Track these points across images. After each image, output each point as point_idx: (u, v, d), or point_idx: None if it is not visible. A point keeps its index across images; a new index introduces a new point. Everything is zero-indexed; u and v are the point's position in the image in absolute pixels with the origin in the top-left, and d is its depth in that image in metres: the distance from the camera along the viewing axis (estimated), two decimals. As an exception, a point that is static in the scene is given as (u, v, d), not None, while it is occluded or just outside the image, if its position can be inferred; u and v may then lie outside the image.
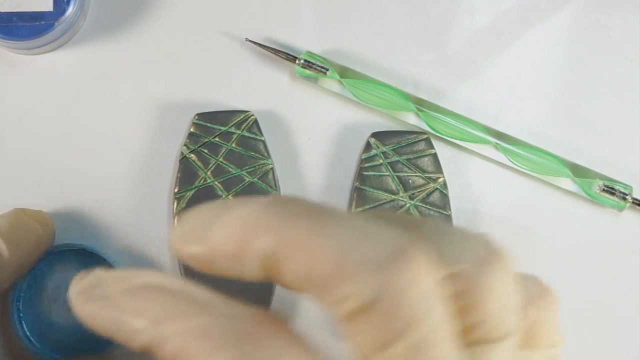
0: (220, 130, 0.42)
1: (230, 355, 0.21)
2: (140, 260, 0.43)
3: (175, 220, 0.41)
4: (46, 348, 0.40)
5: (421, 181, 0.42)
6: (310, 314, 0.42)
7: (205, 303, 0.23)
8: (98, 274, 0.24)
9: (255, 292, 0.41)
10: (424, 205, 0.42)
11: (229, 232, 0.23)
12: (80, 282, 0.24)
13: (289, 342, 0.22)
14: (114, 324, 0.23)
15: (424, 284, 0.21)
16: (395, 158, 0.42)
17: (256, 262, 0.23)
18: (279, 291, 0.42)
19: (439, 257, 0.22)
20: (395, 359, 0.21)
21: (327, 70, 0.42)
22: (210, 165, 0.42)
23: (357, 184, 0.42)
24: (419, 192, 0.42)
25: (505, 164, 0.43)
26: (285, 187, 0.43)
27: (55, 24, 0.41)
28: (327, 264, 0.22)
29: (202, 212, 0.24)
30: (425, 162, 0.42)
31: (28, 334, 0.40)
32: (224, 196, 0.41)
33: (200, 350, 0.22)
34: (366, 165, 0.42)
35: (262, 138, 0.42)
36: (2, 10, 0.41)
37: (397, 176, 0.42)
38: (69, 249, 0.40)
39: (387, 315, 0.21)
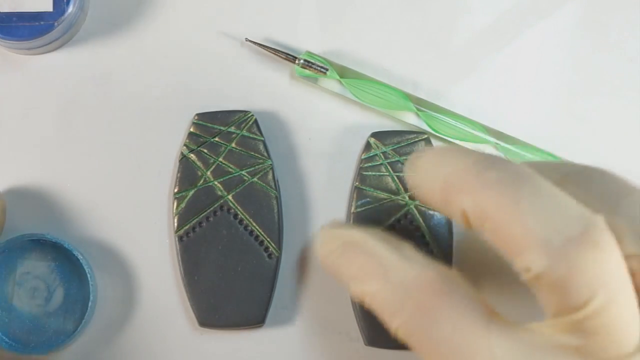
0: (220, 130, 0.42)
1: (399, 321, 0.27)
2: (141, 260, 0.43)
3: (176, 220, 0.41)
4: None
5: (421, 181, 0.42)
6: (308, 320, 0.43)
7: (386, 266, 0.28)
8: (326, 233, 0.30)
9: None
10: (424, 206, 0.42)
11: (435, 185, 0.27)
12: (326, 244, 0.30)
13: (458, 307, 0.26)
14: (335, 274, 0.29)
15: (606, 264, 0.24)
16: (395, 158, 0.42)
17: (458, 213, 0.27)
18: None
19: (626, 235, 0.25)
20: (577, 327, 0.24)
21: (327, 70, 0.42)
22: (210, 165, 0.42)
23: (357, 184, 0.42)
24: (419, 192, 0.42)
25: (505, 164, 0.43)
26: (285, 187, 0.43)
27: (55, 24, 0.41)
28: (516, 234, 0.25)
29: (429, 157, 0.28)
30: (425, 162, 0.42)
31: None
32: (224, 196, 0.41)
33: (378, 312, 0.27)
34: (366, 165, 0.42)
35: (262, 138, 0.42)
36: (2, 11, 0.41)
37: (397, 176, 0.42)
38: (46, 240, 0.41)
39: (565, 287, 0.24)
